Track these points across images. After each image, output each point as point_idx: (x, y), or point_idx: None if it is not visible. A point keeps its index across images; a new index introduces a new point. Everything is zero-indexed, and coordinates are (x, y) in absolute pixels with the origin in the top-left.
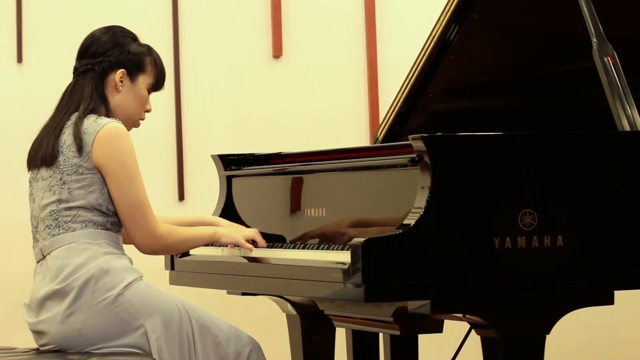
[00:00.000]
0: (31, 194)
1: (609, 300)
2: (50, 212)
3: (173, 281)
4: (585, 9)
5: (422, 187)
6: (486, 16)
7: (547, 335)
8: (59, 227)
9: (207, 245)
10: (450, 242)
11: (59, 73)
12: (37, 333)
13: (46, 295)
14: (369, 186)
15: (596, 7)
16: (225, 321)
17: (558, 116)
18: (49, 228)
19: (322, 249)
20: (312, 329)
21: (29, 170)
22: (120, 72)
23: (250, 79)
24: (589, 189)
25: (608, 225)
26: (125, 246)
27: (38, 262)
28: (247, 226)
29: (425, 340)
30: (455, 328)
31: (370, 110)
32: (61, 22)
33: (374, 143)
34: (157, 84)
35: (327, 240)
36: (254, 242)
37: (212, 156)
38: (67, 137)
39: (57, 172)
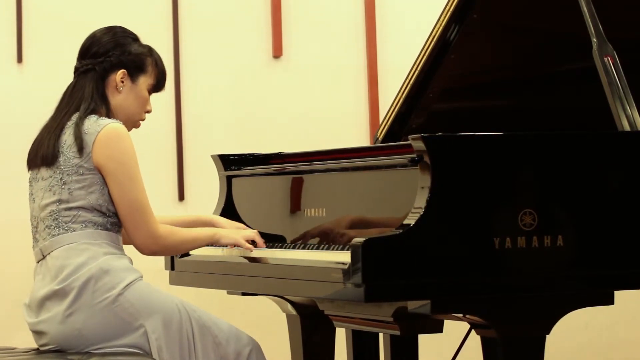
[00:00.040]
0: (31, 194)
1: (609, 300)
2: (50, 212)
3: (173, 281)
4: (585, 9)
5: (422, 187)
6: (486, 16)
7: (547, 335)
8: (59, 227)
9: (206, 246)
10: (450, 242)
11: (59, 73)
12: (37, 333)
13: (46, 296)
14: (369, 186)
15: (596, 7)
16: (225, 321)
17: (558, 116)
18: (49, 228)
19: (322, 249)
20: (312, 329)
21: (29, 170)
22: (121, 73)
23: (250, 79)
24: (589, 189)
25: (608, 225)
26: (125, 246)
27: (38, 262)
28: (248, 226)
29: (425, 340)
30: (455, 328)
31: (370, 110)
32: (61, 22)
33: (374, 143)
34: (158, 85)
35: (327, 240)
36: (253, 243)
37: (212, 156)
38: (67, 137)
39: (58, 172)
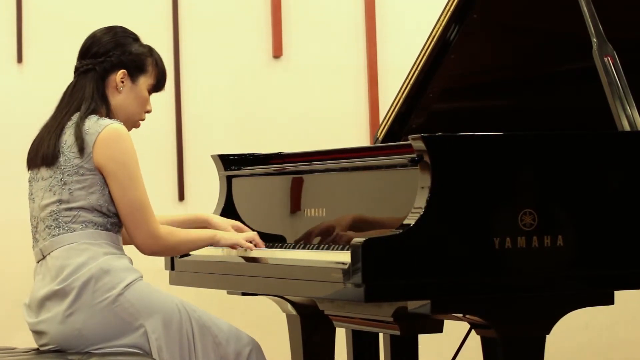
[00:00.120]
0: (31, 194)
1: (609, 300)
2: (50, 213)
3: (173, 281)
4: (585, 9)
5: (422, 187)
6: (486, 16)
7: (547, 335)
8: (59, 227)
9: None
10: (450, 242)
11: (59, 73)
12: (37, 333)
13: (46, 296)
14: (369, 186)
15: (596, 7)
16: (225, 321)
17: (558, 116)
18: (49, 228)
19: (322, 249)
20: (312, 329)
21: (28, 170)
22: (121, 73)
23: (250, 79)
24: (589, 189)
25: (608, 226)
26: (125, 246)
27: (38, 262)
28: (247, 226)
29: (425, 340)
30: (455, 328)
31: (370, 110)
32: (61, 22)
33: (374, 143)
34: (158, 85)
35: (327, 240)
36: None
37: (212, 156)
38: (68, 137)
39: (58, 172)
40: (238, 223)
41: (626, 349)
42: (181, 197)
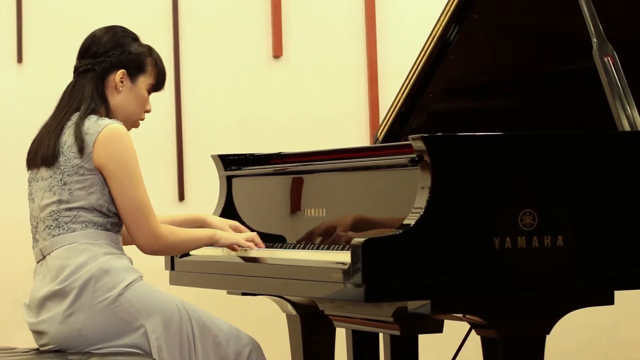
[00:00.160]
0: (30, 194)
1: (609, 300)
2: (50, 213)
3: (173, 281)
4: (585, 9)
5: (422, 187)
6: (486, 16)
7: (547, 335)
8: (59, 227)
9: (206, 246)
10: (450, 242)
11: (59, 73)
12: (37, 333)
13: (46, 296)
14: (369, 186)
15: (596, 7)
16: (225, 321)
17: (558, 116)
18: (49, 228)
19: (322, 249)
20: (312, 329)
21: (28, 170)
22: (120, 73)
23: (250, 79)
24: (589, 189)
25: (608, 225)
26: (125, 246)
27: (38, 262)
28: (247, 226)
29: (425, 340)
30: (455, 328)
31: (370, 110)
32: (61, 22)
33: (374, 143)
34: (158, 85)
35: (327, 240)
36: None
37: (212, 156)
38: (67, 137)
39: (58, 172)
40: (236, 223)
41: (626, 349)
42: (181, 197)
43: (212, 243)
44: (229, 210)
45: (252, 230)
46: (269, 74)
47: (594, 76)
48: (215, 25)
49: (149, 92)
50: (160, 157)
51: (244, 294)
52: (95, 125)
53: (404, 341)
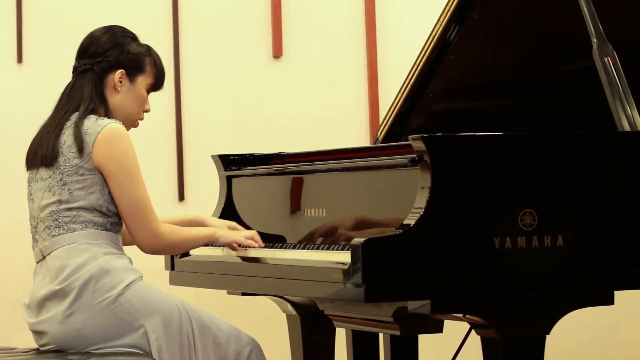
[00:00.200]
0: (30, 194)
1: (609, 301)
2: (50, 213)
3: (173, 281)
4: (585, 9)
5: (422, 187)
6: (486, 16)
7: (547, 335)
8: (59, 227)
9: (206, 245)
10: (450, 242)
11: (59, 73)
12: (37, 333)
13: (46, 296)
14: (369, 186)
15: (596, 7)
16: (225, 321)
17: (558, 116)
18: (49, 229)
19: (322, 249)
20: (312, 329)
21: (27, 170)
22: (119, 73)
23: (250, 79)
24: (589, 189)
25: (608, 225)
26: (125, 246)
27: (38, 262)
28: (247, 226)
29: (425, 340)
30: (455, 328)
31: (370, 110)
32: (61, 22)
33: (374, 143)
34: (157, 84)
35: (327, 240)
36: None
37: (212, 156)
38: (67, 137)
39: (57, 172)
40: (234, 224)
41: (626, 349)
42: (181, 197)
43: (212, 242)
44: (229, 210)
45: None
46: (269, 74)
47: (594, 76)
48: (215, 25)
49: (148, 92)
50: (160, 157)
51: (244, 294)
52: (94, 125)
53: (404, 341)
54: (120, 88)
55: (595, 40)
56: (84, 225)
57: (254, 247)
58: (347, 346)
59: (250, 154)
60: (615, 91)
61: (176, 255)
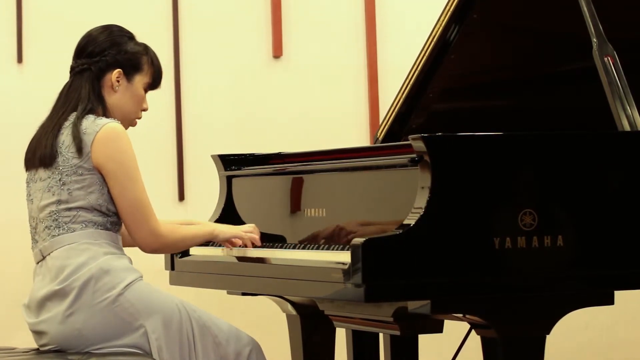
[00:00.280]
0: (29, 195)
1: (609, 301)
2: (49, 213)
3: (173, 281)
4: (585, 9)
5: (422, 187)
6: (486, 16)
7: (547, 335)
8: (59, 227)
9: (206, 243)
10: (450, 242)
11: (59, 73)
12: (37, 333)
13: (46, 296)
14: (369, 186)
15: (596, 7)
16: (225, 321)
17: (558, 116)
18: (49, 229)
19: (322, 249)
20: (312, 329)
21: (26, 171)
22: (116, 72)
23: (250, 79)
24: (589, 189)
25: (608, 225)
26: (125, 247)
27: (37, 262)
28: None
29: (425, 340)
30: (455, 328)
31: (370, 110)
32: (61, 22)
33: (374, 143)
34: (154, 83)
35: (327, 240)
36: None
37: (212, 156)
38: (65, 137)
39: (56, 172)
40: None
41: (626, 349)
42: (181, 197)
43: (212, 238)
44: (229, 210)
45: None
46: (269, 74)
47: (594, 76)
48: (215, 25)
49: (146, 91)
50: (160, 157)
51: (244, 294)
52: (93, 124)
53: (404, 341)
54: (117, 87)
55: (595, 40)
56: (83, 225)
57: (254, 240)
58: (347, 346)
59: (250, 154)
60: (615, 91)
61: (176, 255)
